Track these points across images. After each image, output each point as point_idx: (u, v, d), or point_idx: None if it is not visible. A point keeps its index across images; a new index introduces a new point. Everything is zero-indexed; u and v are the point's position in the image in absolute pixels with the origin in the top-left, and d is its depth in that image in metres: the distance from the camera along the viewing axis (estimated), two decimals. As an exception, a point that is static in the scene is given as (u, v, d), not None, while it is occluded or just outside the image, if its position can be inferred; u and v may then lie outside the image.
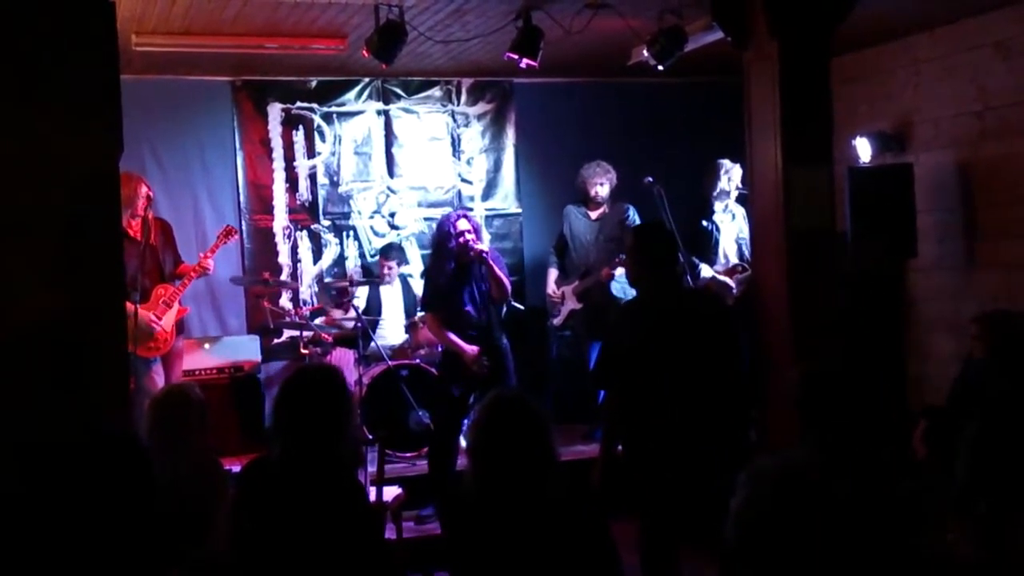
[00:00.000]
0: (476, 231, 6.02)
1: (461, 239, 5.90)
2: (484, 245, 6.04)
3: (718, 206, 7.33)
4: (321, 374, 3.41)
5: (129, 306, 6.35)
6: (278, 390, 3.33)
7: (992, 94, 6.81)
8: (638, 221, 7.49)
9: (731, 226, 7.32)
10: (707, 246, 7.28)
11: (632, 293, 7.34)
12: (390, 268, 7.81)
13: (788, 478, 1.79)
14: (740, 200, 7.14)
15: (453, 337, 5.98)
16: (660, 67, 6.48)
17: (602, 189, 7.56)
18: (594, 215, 7.64)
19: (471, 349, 5.96)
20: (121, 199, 6.37)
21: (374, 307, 7.75)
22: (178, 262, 6.80)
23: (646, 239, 4.79)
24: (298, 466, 3.18)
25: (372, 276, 8.02)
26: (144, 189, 6.51)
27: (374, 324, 7.54)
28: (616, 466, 4.61)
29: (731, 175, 7.26)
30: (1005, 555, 4.30)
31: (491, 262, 5.96)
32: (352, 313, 7.36)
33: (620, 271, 7.23)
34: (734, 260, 7.19)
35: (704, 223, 7.23)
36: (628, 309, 4.98)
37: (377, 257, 8.05)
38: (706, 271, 7.26)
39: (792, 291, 5.25)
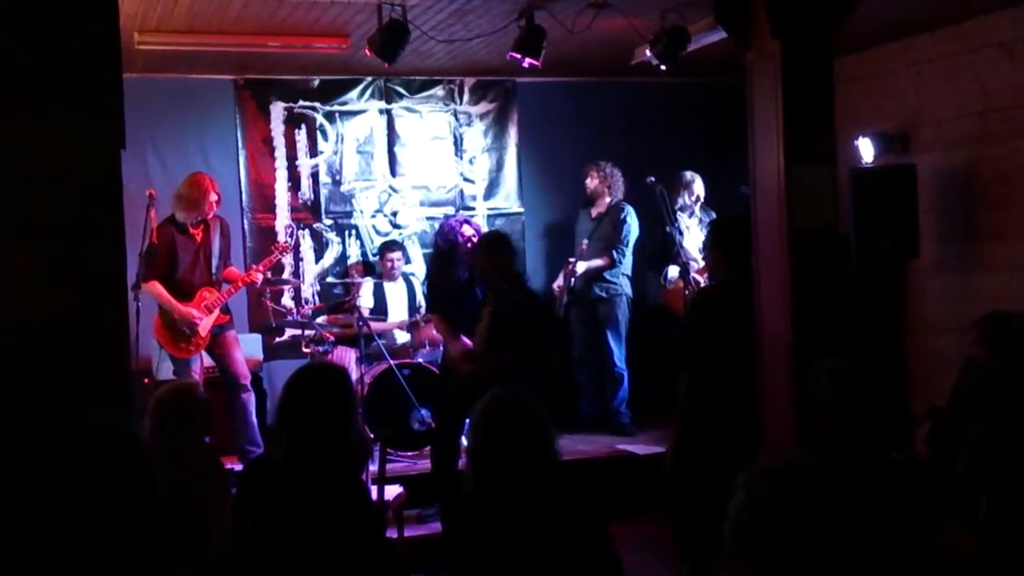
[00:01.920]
0: (479, 233, 6.06)
1: (469, 245, 5.92)
2: None
3: (683, 215, 7.62)
4: (326, 373, 3.42)
5: (174, 304, 6.40)
6: (283, 388, 3.34)
7: (995, 95, 6.81)
8: (633, 220, 7.63)
9: (696, 232, 7.58)
10: (671, 250, 7.47)
11: (619, 288, 7.63)
12: (393, 261, 7.83)
13: (789, 479, 1.79)
14: (742, 199, 7.19)
15: (464, 339, 5.98)
16: (663, 67, 6.49)
17: (590, 183, 7.86)
18: (594, 214, 7.83)
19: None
20: (190, 199, 6.53)
21: (381, 306, 7.76)
22: (227, 264, 6.85)
23: (726, 232, 4.85)
24: (301, 464, 3.18)
25: (373, 275, 8.03)
26: (213, 196, 6.59)
27: (382, 330, 7.57)
28: (688, 453, 4.68)
29: (691, 188, 7.65)
30: (1006, 557, 4.30)
31: None
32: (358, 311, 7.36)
33: (582, 267, 7.58)
34: (702, 263, 7.33)
35: (668, 229, 7.43)
36: (707, 297, 5.06)
37: (378, 256, 8.05)
38: (673, 271, 7.51)
39: (794, 291, 5.24)
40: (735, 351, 4.70)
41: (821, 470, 1.80)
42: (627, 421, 7.66)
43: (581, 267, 7.61)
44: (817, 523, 1.71)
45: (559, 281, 7.78)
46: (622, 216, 7.70)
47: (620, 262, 7.68)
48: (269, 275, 7.14)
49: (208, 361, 6.78)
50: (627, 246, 7.70)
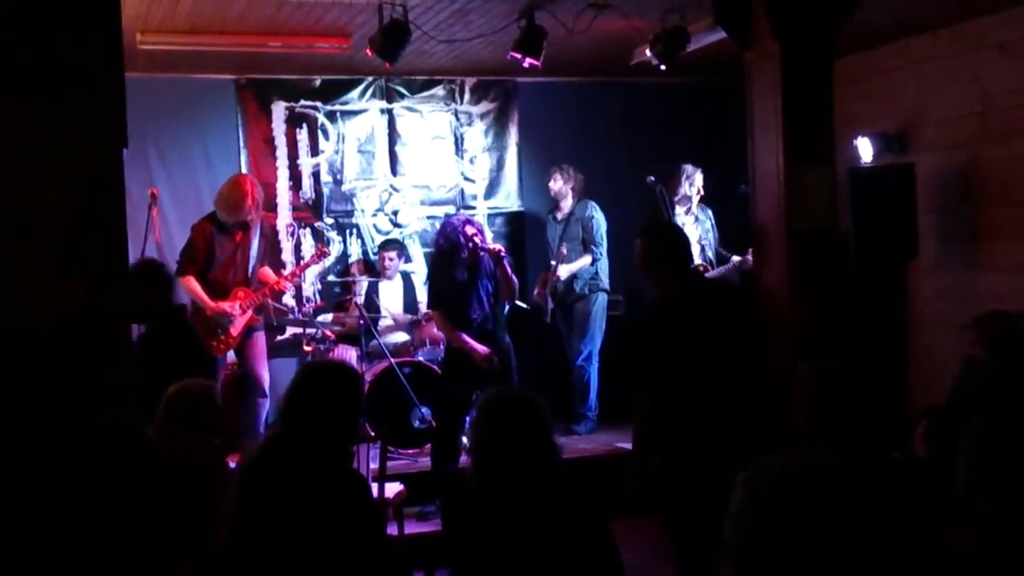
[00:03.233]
0: (480, 232, 6.07)
1: (470, 244, 5.93)
2: (494, 244, 6.08)
3: (679, 209, 7.64)
4: (339, 371, 3.43)
5: (206, 300, 6.42)
6: (297, 382, 3.33)
7: (994, 95, 6.82)
8: (599, 214, 7.67)
9: (692, 229, 7.60)
10: None
11: (600, 283, 7.70)
12: (390, 260, 7.85)
13: (789, 478, 1.80)
14: (742, 199, 7.22)
15: (464, 336, 6.00)
16: (662, 67, 6.50)
17: (553, 185, 7.93)
18: (559, 217, 7.90)
19: (482, 349, 5.99)
20: (230, 201, 6.52)
21: (371, 305, 7.78)
22: (262, 264, 6.83)
23: (653, 239, 4.80)
24: (300, 460, 3.19)
25: (373, 273, 8.05)
26: (250, 201, 6.56)
27: (375, 321, 7.57)
28: (648, 468, 4.63)
29: (692, 180, 7.66)
30: (1007, 556, 4.31)
31: (505, 262, 6.00)
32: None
33: (564, 271, 7.66)
34: (697, 260, 7.36)
35: None
36: (652, 309, 5.02)
37: (377, 254, 8.08)
38: None
39: (793, 291, 5.27)
40: (694, 362, 4.59)
41: (820, 468, 1.80)
42: (590, 416, 7.72)
43: (564, 272, 7.67)
44: (816, 521, 1.72)
45: (538, 289, 7.83)
46: (587, 213, 7.78)
47: (599, 257, 7.71)
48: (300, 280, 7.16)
49: (230, 357, 6.78)
50: (602, 240, 7.75)
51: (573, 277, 7.74)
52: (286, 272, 7.22)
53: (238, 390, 6.71)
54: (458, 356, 6.10)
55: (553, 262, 7.70)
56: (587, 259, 7.69)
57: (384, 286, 7.85)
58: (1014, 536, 4.22)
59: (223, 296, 6.52)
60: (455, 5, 6.07)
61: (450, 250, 5.99)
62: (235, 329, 6.53)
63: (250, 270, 6.67)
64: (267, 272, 6.85)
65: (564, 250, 7.66)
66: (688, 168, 7.68)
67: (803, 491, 1.75)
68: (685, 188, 7.65)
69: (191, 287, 6.47)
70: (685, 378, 4.51)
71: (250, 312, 6.61)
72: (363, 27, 6.45)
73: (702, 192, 7.70)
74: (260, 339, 6.77)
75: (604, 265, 7.81)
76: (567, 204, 7.88)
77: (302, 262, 7.16)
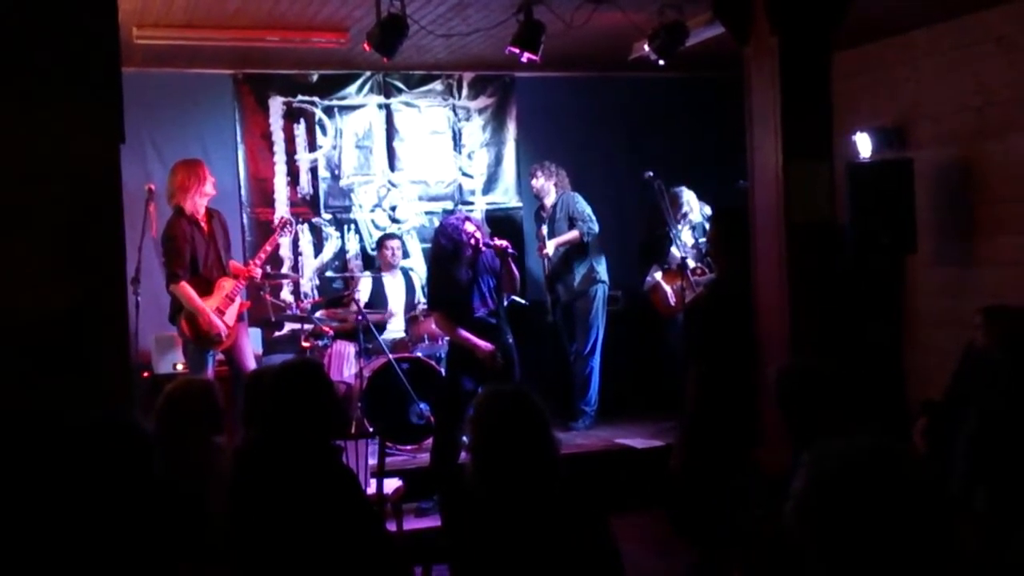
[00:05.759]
0: (480, 228, 6.06)
1: (472, 242, 5.92)
2: (500, 240, 6.06)
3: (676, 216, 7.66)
4: (291, 369, 3.44)
5: (208, 315, 6.38)
6: (260, 387, 3.36)
7: (992, 90, 6.81)
8: (582, 200, 7.72)
9: (687, 234, 7.66)
10: (662, 250, 7.53)
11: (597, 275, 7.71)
12: (392, 250, 7.87)
13: (857, 461, 1.78)
14: (740, 193, 7.24)
15: (467, 334, 5.98)
16: (661, 62, 6.50)
17: (535, 183, 7.94)
18: (545, 214, 7.91)
19: (484, 345, 5.96)
20: (184, 186, 6.43)
21: (380, 299, 7.78)
22: (230, 257, 6.78)
23: (721, 223, 4.86)
24: (284, 463, 3.18)
25: (374, 268, 8.04)
26: (203, 185, 6.45)
27: (381, 321, 7.59)
28: (698, 452, 4.68)
29: (684, 207, 7.69)
30: (1004, 550, 4.31)
31: (510, 259, 5.99)
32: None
33: (551, 245, 7.67)
34: (692, 264, 7.36)
35: (666, 228, 7.47)
36: (710, 292, 5.08)
37: (376, 249, 8.06)
38: (656, 273, 7.60)
39: (791, 286, 5.26)
40: (749, 344, 4.74)
41: (888, 451, 1.78)
42: (588, 412, 7.70)
43: (551, 246, 7.66)
44: (884, 504, 1.70)
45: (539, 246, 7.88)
46: (572, 201, 7.76)
47: (592, 232, 7.67)
48: (268, 268, 7.10)
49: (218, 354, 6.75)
50: (589, 217, 7.69)
51: (570, 272, 7.72)
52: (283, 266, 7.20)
53: (230, 386, 6.68)
54: (461, 353, 6.08)
55: (542, 234, 7.70)
56: (575, 233, 7.66)
57: (388, 281, 7.85)
58: (1010, 531, 4.21)
59: (208, 291, 6.47)
60: (453, -1, 6.07)
61: (453, 249, 5.96)
62: (230, 318, 6.50)
63: (224, 260, 6.62)
64: (235, 263, 6.81)
65: (544, 231, 7.70)
66: (683, 193, 7.69)
67: (872, 474, 1.73)
68: (680, 211, 7.69)
69: (187, 294, 6.34)
70: (732, 362, 4.58)
71: (239, 299, 6.60)
72: (361, 21, 6.44)
73: (683, 208, 7.70)
74: (244, 330, 6.72)
75: (601, 259, 7.80)
76: (550, 201, 7.87)
77: (268, 240, 7.05)
